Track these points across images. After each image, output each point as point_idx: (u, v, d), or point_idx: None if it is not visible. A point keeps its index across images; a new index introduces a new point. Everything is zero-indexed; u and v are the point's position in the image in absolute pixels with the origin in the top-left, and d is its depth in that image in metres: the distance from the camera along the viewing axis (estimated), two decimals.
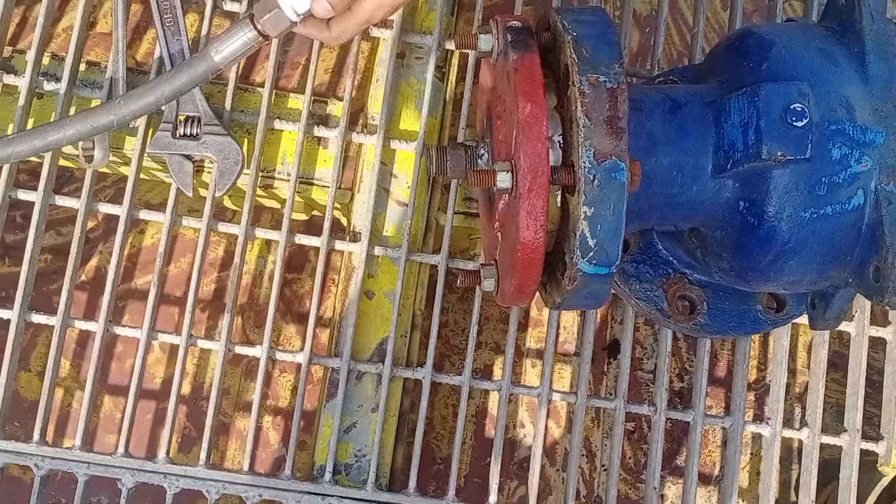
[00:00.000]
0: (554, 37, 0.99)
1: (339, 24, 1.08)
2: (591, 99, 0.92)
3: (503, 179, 0.93)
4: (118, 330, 1.23)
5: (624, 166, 0.91)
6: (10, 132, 1.27)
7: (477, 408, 1.63)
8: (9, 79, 1.25)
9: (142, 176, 1.35)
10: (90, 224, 1.66)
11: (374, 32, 1.30)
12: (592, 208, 0.91)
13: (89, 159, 1.22)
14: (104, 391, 1.59)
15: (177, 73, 1.10)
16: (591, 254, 0.93)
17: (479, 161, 1.03)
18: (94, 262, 1.63)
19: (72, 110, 1.26)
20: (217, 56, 1.08)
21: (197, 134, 1.21)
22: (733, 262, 1.04)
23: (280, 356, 1.24)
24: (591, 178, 0.91)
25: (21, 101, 1.23)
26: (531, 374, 1.65)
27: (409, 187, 1.29)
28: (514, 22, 0.98)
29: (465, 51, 1.01)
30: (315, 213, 1.45)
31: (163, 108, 1.22)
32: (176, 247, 1.66)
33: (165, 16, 1.24)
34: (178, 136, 1.21)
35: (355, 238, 1.28)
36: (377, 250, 1.26)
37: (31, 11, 1.73)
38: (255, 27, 1.06)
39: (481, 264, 1.06)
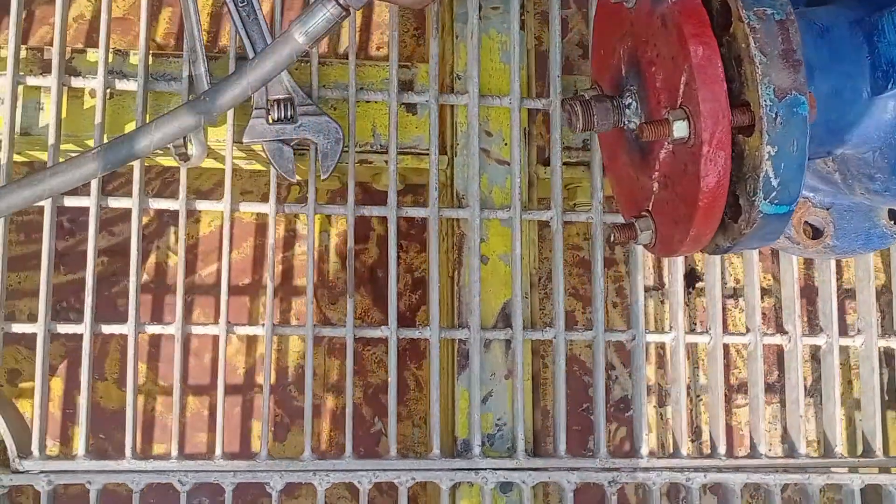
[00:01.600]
0: None
1: None
2: (762, 34, 0.88)
3: (680, 129, 0.89)
4: (240, 330, 1.18)
5: (805, 100, 0.88)
6: (83, 137, 1.20)
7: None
8: (77, 81, 1.17)
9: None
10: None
11: None
12: (776, 147, 0.88)
13: (184, 157, 1.15)
14: (188, 391, 1.53)
15: (261, 60, 1.05)
16: (774, 194, 0.90)
17: (627, 111, 0.99)
18: (152, 259, 1.56)
19: (149, 107, 1.19)
20: (301, 38, 1.03)
21: (292, 116, 1.15)
22: (890, 182, 1.02)
23: (405, 333, 1.20)
24: (774, 115, 0.87)
25: (98, 104, 1.16)
26: (612, 315, 1.63)
27: (506, 144, 1.25)
28: None
29: None
30: (410, 181, 1.40)
31: None
32: (234, 231, 1.59)
33: None
34: (272, 121, 1.15)
35: (461, 203, 1.24)
36: (486, 213, 1.22)
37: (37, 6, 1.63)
38: (338, 2, 1.01)
39: (633, 217, 1.03)
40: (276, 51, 1.05)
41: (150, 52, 1.19)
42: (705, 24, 0.89)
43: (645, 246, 1.03)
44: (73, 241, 1.55)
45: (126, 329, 1.15)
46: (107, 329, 1.15)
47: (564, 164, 1.27)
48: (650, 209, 1.01)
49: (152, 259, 1.56)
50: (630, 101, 0.99)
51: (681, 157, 0.93)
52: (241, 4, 1.16)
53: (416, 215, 1.22)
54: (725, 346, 1.24)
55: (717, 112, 0.88)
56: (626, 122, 0.99)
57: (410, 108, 1.25)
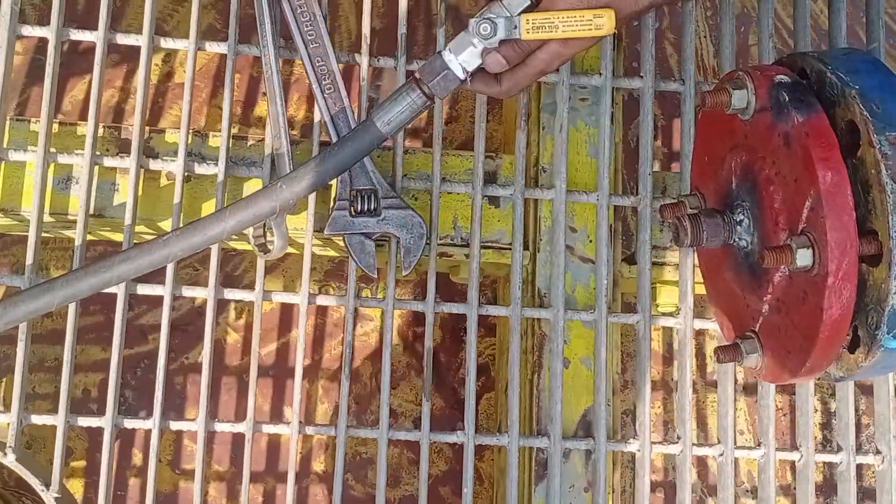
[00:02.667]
0: (817, 88, 0.90)
1: (510, 77, 1.00)
2: (894, 161, 0.83)
3: (803, 257, 0.84)
4: (310, 430, 1.13)
5: None
6: (157, 219, 1.16)
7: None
8: (155, 164, 1.13)
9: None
10: (199, 299, 1.55)
11: None
12: None
13: (263, 248, 1.11)
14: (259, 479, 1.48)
15: (340, 148, 1.03)
16: None
17: (738, 228, 0.94)
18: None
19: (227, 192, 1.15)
20: (384, 127, 1.01)
21: (376, 209, 1.11)
22: None
23: (483, 440, 1.14)
24: None
25: (177, 191, 1.12)
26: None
27: (591, 241, 1.20)
28: (782, 76, 0.89)
29: (716, 107, 0.91)
30: (486, 273, 1.35)
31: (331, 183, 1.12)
32: (295, 311, 1.55)
33: (324, 81, 1.13)
34: (355, 213, 1.11)
35: (542, 301, 1.19)
36: (570, 314, 1.16)
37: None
38: (422, 90, 0.99)
39: (737, 337, 0.97)
40: (355, 138, 1.02)
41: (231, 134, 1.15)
42: (834, 147, 0.84)
43: (749, 368, 0.97)
44: (129, 314, 1.50)
45: (195, 426, 1.10)
46: (175, 426, 1.11)
47: (653, 263, 1.22)
48: (757, 330, 0.96)
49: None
50: (742, 217, 0.94)
51: (800, 285, 0.88)
52: (327, 92, 1.12)
53: (497, 314, 1.17)
54: None
55: (844, 242, 0.83)
56: (737, 240, 0.94)
57: (493, 200, 1.21)
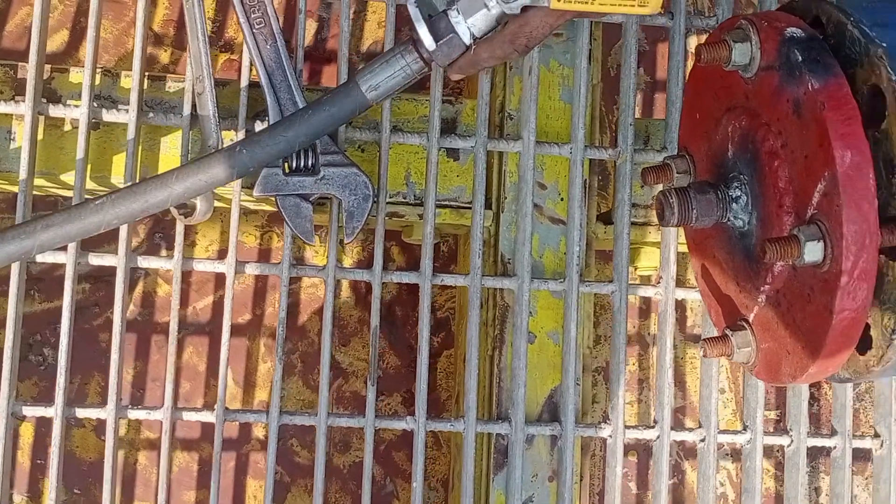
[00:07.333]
0: (835, 42, 0.75)
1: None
2: None
3: (812, 251, 0.70)
4: (241, 417, 1.00)
5: None
6: (59, 173, 1.01)
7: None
8: (56, 110, 0.97)
9: None
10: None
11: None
12: None
13: (186, 212, 0.96)
14: (176, 443, 1.35)
15: (315, 112, 0.89)
16: None
17: (734, 205, 0.80)
18: (140, 288, 1.37)
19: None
20: (370, 93, 0.88)
21: (314, 166, 0.96)
22: None
23: (435, 426, 1.01)
24: None
25: (81, 142, 0.96)
26: (645, 403, 1.45)
27: (562, 200, 1.06)
28: (795, 30, 0.74)
29: (713, 63, 0.77)
30: (443, 231, 1.21)
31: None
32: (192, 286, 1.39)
33: (253, 14, 0.96)
34: (290, 171, 0.95)
35: (506, 268, 1.05)
36: (536, 284, 1.03)
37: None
38: (420, 54, 0.86)
39: (728, 327, 0.84)
40: (334, 103, 0.89)
41: (146, 74, 0.99)
42: (855, 121, 0.70)
43: (742, 363, 0.84)
44: (48, 264, 1.35)
45: (104, 413, 0.96)
46: (81, 413, 0.97)
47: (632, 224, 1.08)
48: (751, 321, 0.83)
49: (139, 289, 1.37)
50: (738, 193, 0.80)
51: (805, 279, 0.74)
52: (257, 27, 0.96)
53: (454, 283, 1.03)
54: None
55: (863, 236, 0.69)
56: (732, 219, 0.81)
57: (452, 152, 1.06)
